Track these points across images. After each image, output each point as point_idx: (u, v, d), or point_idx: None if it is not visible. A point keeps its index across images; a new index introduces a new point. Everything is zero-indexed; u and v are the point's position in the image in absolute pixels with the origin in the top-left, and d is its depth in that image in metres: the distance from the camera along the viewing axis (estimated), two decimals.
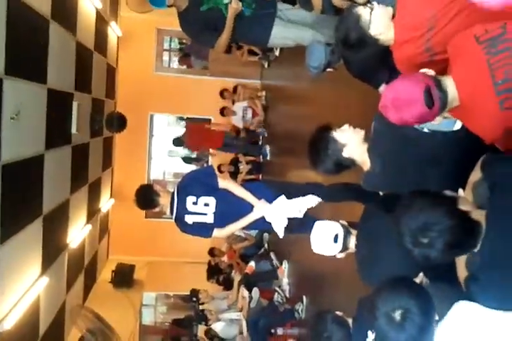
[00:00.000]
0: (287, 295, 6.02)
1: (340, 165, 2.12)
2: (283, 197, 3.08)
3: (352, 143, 2.08)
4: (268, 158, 8.19)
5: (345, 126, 2.12)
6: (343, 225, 2.46)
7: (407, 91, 1.59)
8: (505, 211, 1.41)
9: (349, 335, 2.16)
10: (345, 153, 2.07)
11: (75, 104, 5.87)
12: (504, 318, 1.42)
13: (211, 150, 9.32)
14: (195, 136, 8.48)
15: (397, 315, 1.44)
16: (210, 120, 9.55)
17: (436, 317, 1.53)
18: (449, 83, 1.62)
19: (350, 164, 2.12)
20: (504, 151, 1.72)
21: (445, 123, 1.91)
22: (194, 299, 7.23)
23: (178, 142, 8.63)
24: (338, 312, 2.22)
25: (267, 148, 8.16)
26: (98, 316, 6.80)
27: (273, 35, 3.40)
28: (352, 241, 2.43)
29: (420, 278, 1.82)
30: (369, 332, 2.16)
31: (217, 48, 3.43)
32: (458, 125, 1.91)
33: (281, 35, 3.42)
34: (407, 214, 1.41)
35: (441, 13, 1.81)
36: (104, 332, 6.67)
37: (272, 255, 6.81)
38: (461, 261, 1.51)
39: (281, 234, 3.10)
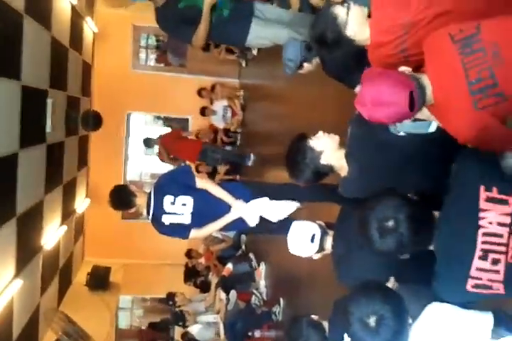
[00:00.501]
0: (264, 298, 6.02)
1: (319, 173, 2.12)
2: (264, 199, 3.06)
3: (328, 149, 2.07)
4: (250, 164, 7.88)
5: (320, 133, 2.11)
6: (320, 225, 2.45)
7: (391, 93, 1.58)
8: (453, 210, 1.51)
9: (325, 339, 2.16)
10: (323, 160, 2.06)
11: (49, 102, 5.75)
12: (473, 318, 1.47)
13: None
14: (170, 149, 8.04)
15: (372, 320, 1.45)
16: (187, 119, 9.50)
17: (410, 320, 1.55)
18: (426, 82, 1.62)
19: (328, 171, 2.12)
20: None
21: (421, 125, 1.93)
22: (170, 302, 7.17)
23: (148, 143, 8.19)
24: (313, 316, 2.21)
25: (251, 156, 7.82)
26: (71, 320, 6.71)
27: (250, 36, 3.39)
28: (329, 242, 2.43)
29: (392, 283, 1.82)
30: (345, 335, 2.16)
31: (195, 43, 3.39)
32: (433, 127, 1.92)
33: (259, 35, 3.40)
34: (372, 208, 1.53)
35: (417, 18, 1.81)
36: (79, 335, 6.58)
37: (252, 255, 6.79)
38: None
39: (253, 224, 3.08)
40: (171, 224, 3.09)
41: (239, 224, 3.11)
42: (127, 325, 9.58)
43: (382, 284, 1.69)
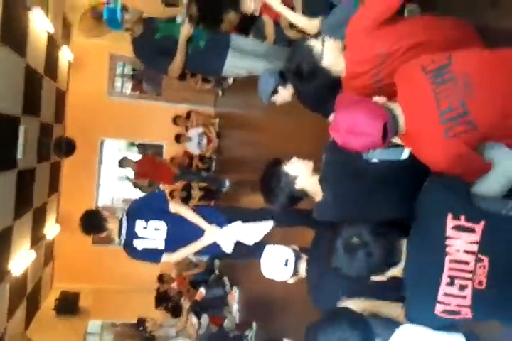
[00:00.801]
0: (237, 321, 5.94)
1: (294, 198, 2.14)
2: (237, 222, 3.07)
3: (302, 174, 2.11)
4: (224, 190, 7.91)
5: (294, 159, 2.15)
6: (293, 250, 2.46)
7: (365, 124, 1.61)
8: (421, 237, 1.54)
9: None
10: (297, 185, 2.09)
11: (21, 128, 5.70)
12: (445, 339, 1.49)
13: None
14: (147, 172, 7.95)
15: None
16: (161, 146, 9.50)
17: None
18: (398, 112, 1.67)
19: (303, 196, 2.15)
20: None
21: (393, 152, 1.97)
22: (141, 328, 7.00)
23: (124, 163, 7.98)
24: (286, 340, 2.21)
25: (226, 183, 7.86)
26: None
27: (226, 66, 3.45)
28: (302, 266, 2.44)
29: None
30: None
31: (171, 73, 3.43)
32: (406, 154, 1.97)
33: (235, 65, 3.47)
34: (339, 233, 1.59)
35: (392, 49, 1.88)
36: None
37: (226, 280, 6.72)
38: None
39: (229, 250, 3.07)
40: (143, 249, 3.06)
41: (212, 248, 3.10)
42: None
43: (349, 310, 1.73)
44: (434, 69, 1.60)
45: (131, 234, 3.05)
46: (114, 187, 10.30)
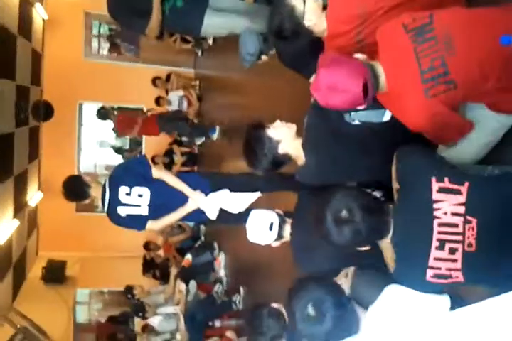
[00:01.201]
0: (224, 287, 6.04)
1: (277, 163, 2.12)
2: (224, 191, 3.04)
3: (286, 138, 2.07)
4: (215, 138, 7.42)
5: (278, 122, 2.11)
6: (278, 214, 2.47)
7: (346, 81, 1.61)
8: (408, 203, 1.54)
9: (286, 327, 2.19)
10: (281, 149, 2.06)
11: None
12: (430, 299, 1.51)
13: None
14: (129, 122, 7.54)
15: (311, 310, 1.52)
16: (142, 109, 9.34)
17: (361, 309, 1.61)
18: (379, 71, 1.65)
19: (286, 160, 2.12)
20: (431, 140, 1.79)
21: (375, 114, 1.96)
22: (129, 295, 7.08)
23: (103, 114, 7.51)
24: (274, 305, 2.24)
25: (217, 129, 7.29)
26: (26, 317, 6.56)
27: (205, 25, 3.35)
28: (287, 230, 2.45)
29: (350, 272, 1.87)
30: None
31: (149, 34, 3.34)
32: (387, 116, 1.96)
33: (214, 24, 3.37)
34: (326, 202, 1.56)
35: (373, 9, 1.85)
36: (34, 331, 6.44)
37: (215, 244, 6.76)
38: (387, 249, 1.62)
39: (214, 217, 3.07)
40: (127, 215, 3.05)
41: (197, 215, 3.09)
42: (86, 319, 9.40)
43: (318, 277, 1.75)
44: (415, 27, 1.58)
45: (115, 201, 3.02)
46: (97, 153, 10.16)
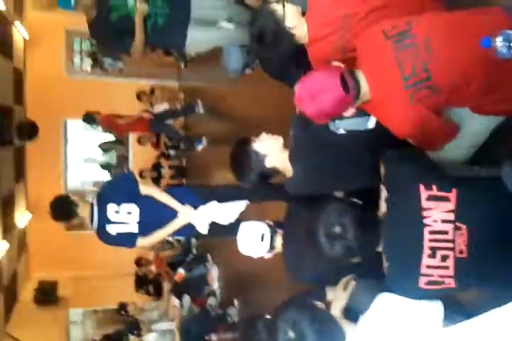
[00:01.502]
0: (218, 300, 5.99)
1: (265, 176, 2.10)
2: (212, 203, 3.02)
3: (273, 151, 2.05)
4: (200, 149, 7.36)
5: (264, 135, 2.09)
6: (268, 225, 2.45)
7: (322, 78, 1.63)
8: (397, 211, 1.55)
9: None
10: (268, 163, 2.04)
11: None
12: (423, 305, 1.50)
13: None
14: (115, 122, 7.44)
15: (291, 333, 1.51)
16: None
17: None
18: (360, 76, 1.66)
19: (273, 173, 2.10)
20: (417, 146, 1.79)
21: (359, 121, 1.96)
22: (123, 312, 7.01)
23: (89, 119, 7.36)
24: (268, 316, 2.21)
25: (203, 140, 7.26)
26: None
27: (189, 40, 3.34)
28: (278, 241, 2.44)
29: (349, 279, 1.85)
30: None
31: (134, 53, 3.33)
32: (372, 123, 1.95)
33: (197, 39, 3.36)
34: (317, 217, 1.56)
35: (352, 11, 1.85)
36: None
37: (208, 256, 6.70)
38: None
39: (205, 231, 3.05)
40: (117, 234, 3.01)
41: (187, 229, 3.07)
42: (81, 339, 9.29)
43: (303, 297, 1.80)
44: (395, 34, 1.59)
45: (104, 220, 2.99)
46: (84, 170, 10.08)
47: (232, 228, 2.63)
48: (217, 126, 6.79)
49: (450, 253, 1.45)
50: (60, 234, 8.19)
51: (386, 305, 1.53)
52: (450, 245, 1.45)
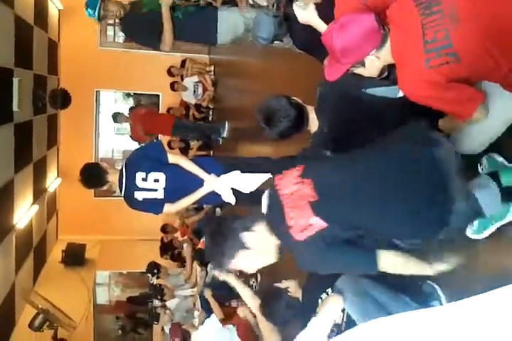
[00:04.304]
0: None
1: (292, 126, 2.17)
2: (235, 172, 3.08)
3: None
4: (225, 135, 7.49)
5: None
6: None
7: (354, 14, 1.70)
8: None
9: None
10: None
11: (15, 81, 5.63)
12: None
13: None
14: (142, 124, 7.42)
15: None
16: (158, 96, 9.40)
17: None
18: (387, 32, 1.71)
19: (301, 108, 2.18)
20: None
21: (389, 90, 1.98)
22: (155, 271, 7.14)
23: (117, 118, 7.65)
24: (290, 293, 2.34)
25: (226, 125, 7.37)
26: (46, 299, 6.73)
27: (219, 32, 3.44)
28: None
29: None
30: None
31: (164, 47, 3.40)
32: (401, 92, 1.97)
33: (228, 27, 3.45)
34: None
35: None
36: (55, 313, 6.62)
37: None
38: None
39: (232, 201, 3.12)
40: (144, 199, 3.09)
41: (212, 197, 3.13)
42: (106, 301, 9.62)
43: None
44: (424, 1, 1.61)
45: (132, 186, 3.07)
46: (114, 139, 10.25)
47: (256, 197, 2.69)
48: (245, 100, 6.82)
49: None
50: (89, 200, 8.46)
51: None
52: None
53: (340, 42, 1.69)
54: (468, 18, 1.53)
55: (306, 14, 2.28)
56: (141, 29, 3.32)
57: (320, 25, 2.23)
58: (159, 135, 8.08)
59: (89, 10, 3.32)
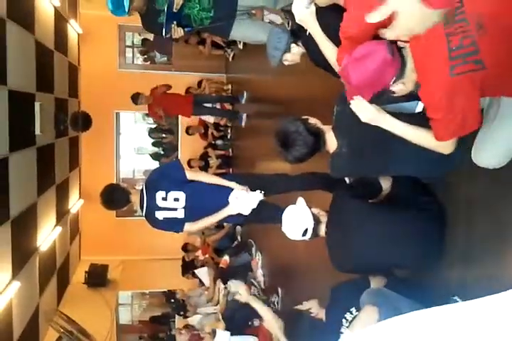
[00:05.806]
0: (262, 287, 6.05)
1: (312, 149, 2.13)
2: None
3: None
4: (243, 124, 7.68)
5: None
6: (313, 215, 2.47)
7: (368, 46, 1.68)
8: None
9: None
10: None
11: (37, 105, 5.75)
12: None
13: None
14: (162, 104, 7.70)
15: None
16: (177, 117, 9.49)
17: None
18: (407, 52, 1.69)
19: (319, 135, 2.14)
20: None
21: (407, 105, 1.96)
22: (172, 300, 7.18)
23: (137, 98, 7.69)
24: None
25: (244, 115, 7.62)
26: (71, 320, 6.73)
27: (233, 31, 3.45)
28: (322, 229, 2.46)
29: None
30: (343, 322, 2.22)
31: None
32: (420, 107, 1.95)
33: (242, 33, 3.52)
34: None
35: None
36: (79, 333, 6.61)
37: (252, 242, 6.79)
38: None
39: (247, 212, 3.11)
40: (164, 218, 3.12)
41: (233, 216, 3.14)
42: (128, 321, 9.60)
43: None
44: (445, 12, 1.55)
45: (153, 206, 3.10)
46: (135, 159, 10.38)
47: (277, 214, 2.66)
48: (263, 118, 6.84)
49: None
50: (111, 220, 8.51)
51: None
52: None
53: (355, 79, 1.70)
54: (496, 27, 1.50)
55: (306, 14, 2.18)
56: (156, 20, 3.36)
57: (315, 30, 2.17)
58: (179, 115, 8.42)
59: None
